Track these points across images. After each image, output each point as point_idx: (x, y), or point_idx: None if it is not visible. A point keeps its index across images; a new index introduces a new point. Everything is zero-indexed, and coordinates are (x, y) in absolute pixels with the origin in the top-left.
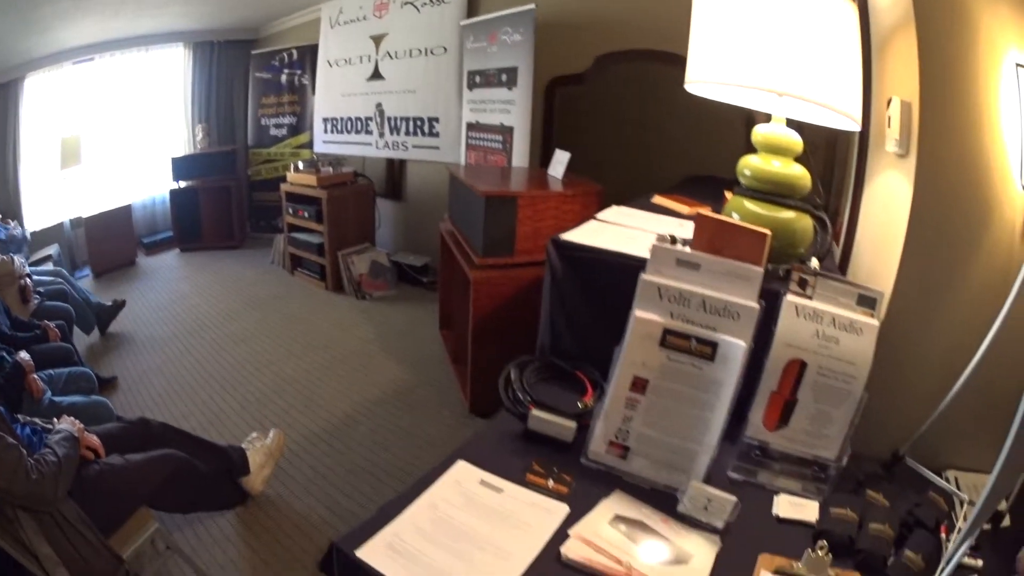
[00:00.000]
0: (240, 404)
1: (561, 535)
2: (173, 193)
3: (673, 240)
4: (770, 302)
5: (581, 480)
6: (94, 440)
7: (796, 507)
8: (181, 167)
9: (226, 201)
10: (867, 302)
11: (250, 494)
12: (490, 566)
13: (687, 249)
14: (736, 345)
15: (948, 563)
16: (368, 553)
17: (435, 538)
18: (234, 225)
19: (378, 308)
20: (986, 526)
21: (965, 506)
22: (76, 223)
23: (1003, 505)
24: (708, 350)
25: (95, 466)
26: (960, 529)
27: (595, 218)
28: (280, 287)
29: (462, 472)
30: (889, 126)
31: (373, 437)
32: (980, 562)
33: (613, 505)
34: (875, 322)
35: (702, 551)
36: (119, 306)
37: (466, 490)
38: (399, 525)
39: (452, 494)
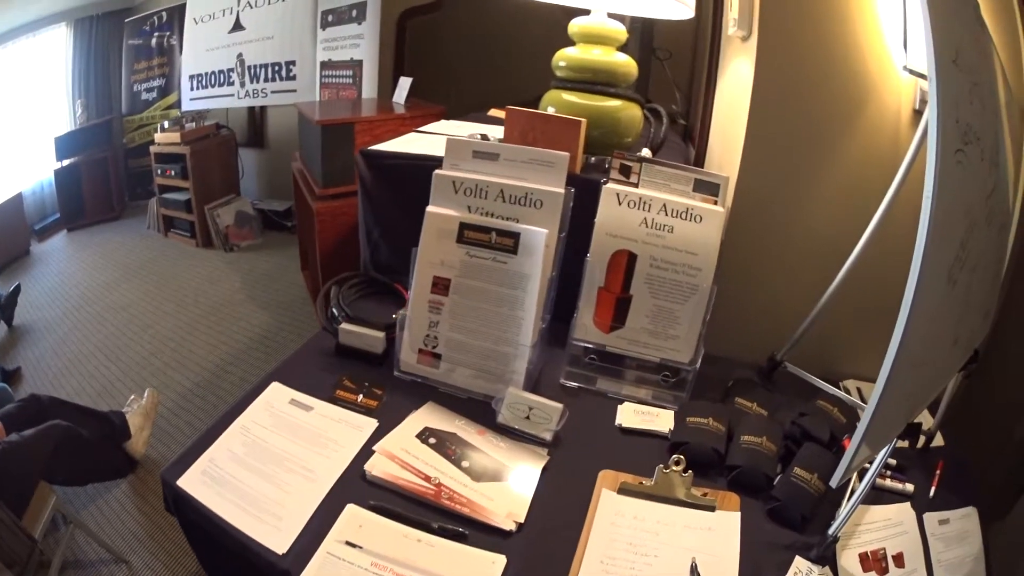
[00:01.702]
0: (122, 371)
1: (367, 452)
2: (57, 173)
3: (484, 139)
4: (591, 193)
5: (393, 393)
6: None
7: (644, 416)
8: (63, 145)
9: (104, 173)
10: (708, 188)
11: (136, 459)
12: (297, 487)
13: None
14: (537, 233)
15: (862, 485)
16: (187, 482)
17: (246, 462)
18: (113, 196)
19: (245, 258)
20: (912, 444)
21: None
22: None
23: (931, 422)
24: (510, 242)
25: None
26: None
27: (416, 130)
28: (155, 251)
29: (274, 393)
30: (731, 7)
31: (242, 385)
32: (911, 486)
33: (423, 418)
34: (720, 209)
35: (524, 466)
36: (16, 292)
37: (276, 411)
38: (214, 451)
39: (263, 416)
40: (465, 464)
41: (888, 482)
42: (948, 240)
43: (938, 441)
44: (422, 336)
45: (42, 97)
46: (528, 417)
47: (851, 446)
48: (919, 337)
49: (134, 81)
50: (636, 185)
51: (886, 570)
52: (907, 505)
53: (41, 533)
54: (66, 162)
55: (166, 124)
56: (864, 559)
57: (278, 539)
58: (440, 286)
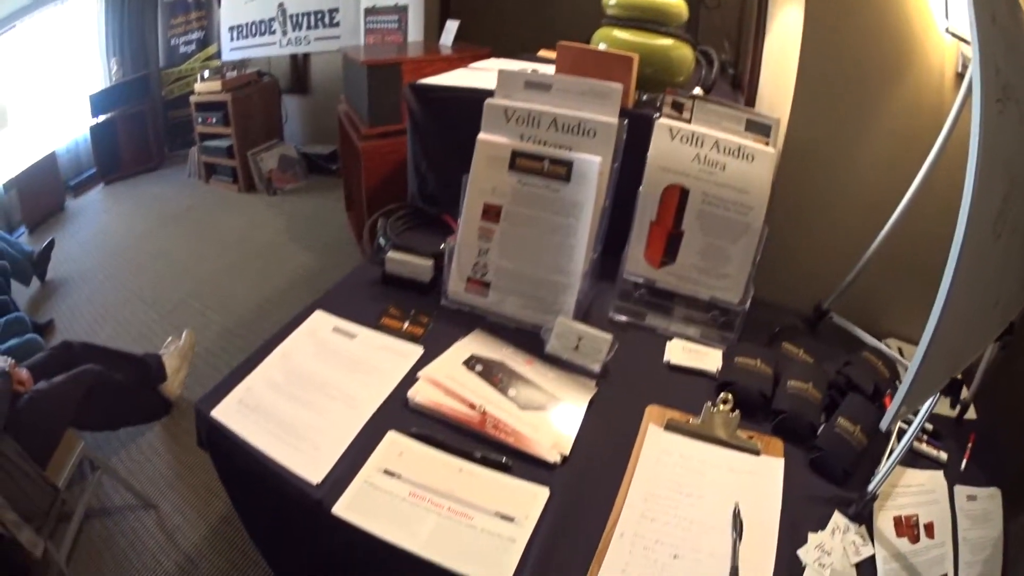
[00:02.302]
0: (160, 316)
1: (411, 378)
2: (93, 129)
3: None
4: (643, 129)
5: (439, 322)
6: (23, 374)
7: (692, 354)
8: (98, 101)
9: (142, 126)
10: (759, 129)
11: (171, 401)
12: (337, 414)
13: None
14: (591, 161)
15: (901, 445)
16: (222, 412)
17: (285, 389)
18: (151, 147)
19: (288, 201)
20: (949, 412)
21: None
22: (8, 186)
23: (965, 393)
24: (562, 170)
25: (25, 397)
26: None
27: (466, 67)
28: (196, 197)
29: (317, 321)
30: None
31: (284, 324)
32: (944, 455)
33: (470, 345)
34: (771, 150)
35: (571, 397)
36: (49, 247)
37: (319, 339)
38: (252, 380)
39: (305, 343)
40: (512, 393)
41: (924, 447)
42: (992, 191)
43: (971, 414)
44: (471, 264)
45: (75, 59)
46: (577, 348)
47: (905, 381)
48: (965, 287)
49: (171, 36)
50: (688, 122)
51: (917, 538)
52: (940, 474)
53: (65, 482)
54: (101, 118)
55: (206, 74)
56: (898, 523)
57: (314, 468)
58: (491, 213)
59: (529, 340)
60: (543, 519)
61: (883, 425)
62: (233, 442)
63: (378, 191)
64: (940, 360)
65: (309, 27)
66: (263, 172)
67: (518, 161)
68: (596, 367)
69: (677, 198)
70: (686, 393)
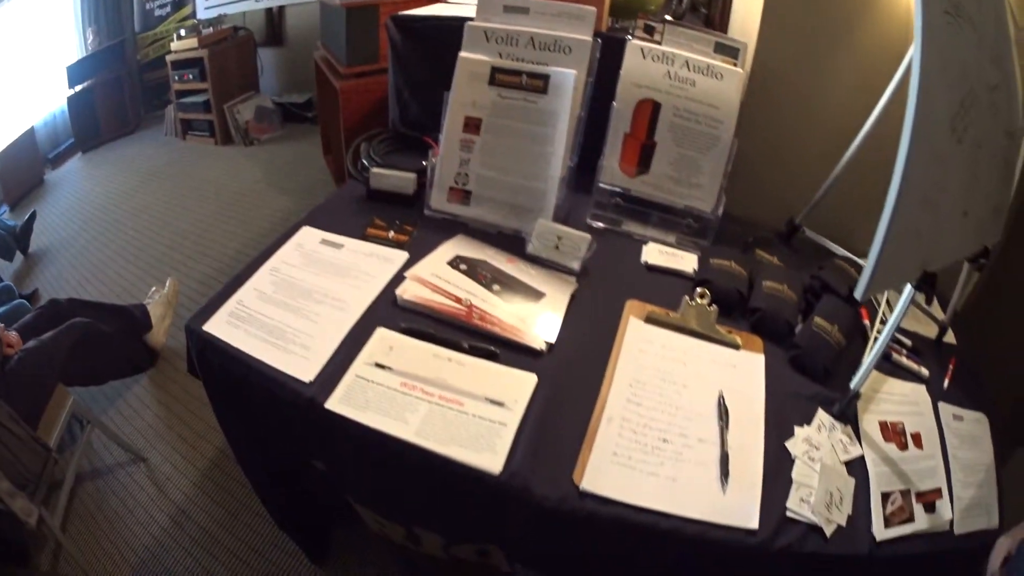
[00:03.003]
0: (143, 270)
1: (399, 280)
2: (70, 100)
3: None
4: (617, 51)
5: (424, 230)
6: (12, 336)
7: (669, 256)
8: (75, 72)
9: (119, 91)
10: (728, 51)
11: (157, 351)
12: (326, 317)
13: None
14: (567, 74)
15: (882, 336)
16: (213, 325)
17: (275, 299)
18: (128, 112)
19: (266, 150)
20: (928, 334)
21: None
22: None
23: (942, 316)
24: (540, 83)
25: (15, 357)
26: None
27: (443, 1)
28: (173, 154)
29: (304, 236)
30: None
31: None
32: (925, 371)
33: (454, 247)
34: (739, 70)
35: (553, 291)
36: (31, 219)
37: (306, 251)
38: (242, 294)
39: (293, 256)
40: (496, 287)
41: (905, 360)
42: (947, 87)
43: (951, 339)
44: (453, 174)
45: (51, 32)
46: (557, 247)
47: (873, 249)
48: (924, 166)
49: (145, 1)
50: (659, 44)
51: (905, 446)
52: (922, 388)
53: (56, 440)
54: (78, 88)
55: (183, 32)
56: (884, 428)
57: (305, 368)
58: (472, 126)
59: (510, 243)
60: (533, 403)
61: (858, 293)
62: (225, 354)
63: (357, 130)
64: (906, 233)
65: None
66: (240, 124)
67: (497, 76)
68: (576, 265)
69: (650, 111)
70: (664, 291)
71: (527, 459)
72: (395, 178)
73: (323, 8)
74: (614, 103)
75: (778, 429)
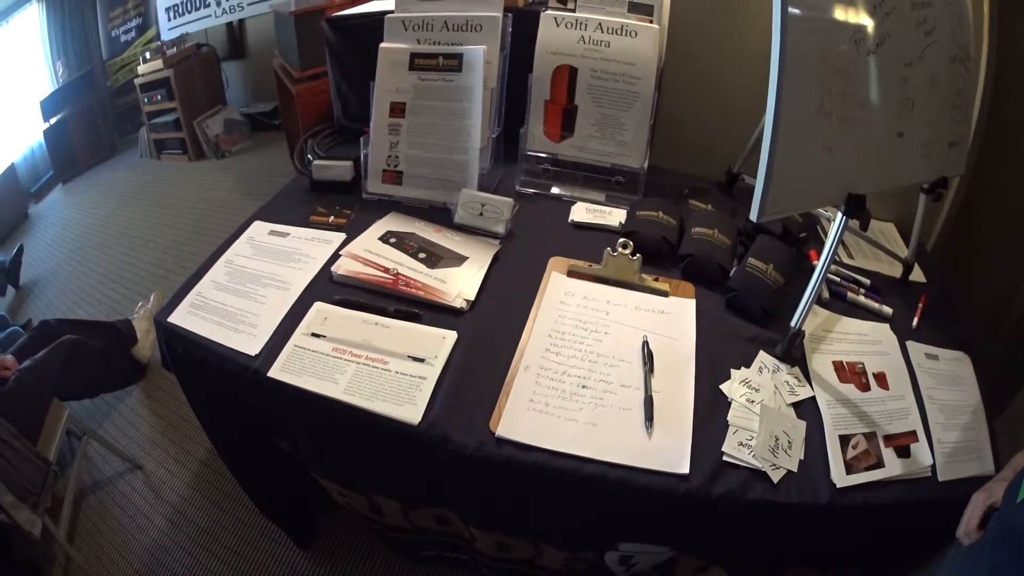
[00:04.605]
0: (129, 288)
1: (335, 258)
2: (46, 133)
3: None
4: (533, 24)
5: (361, 212)
6: (8, 359)
7: (596, 213)
8: (48, 105)
9: (92, 119)
10: (642, 9)
11: (144, 364)
12: (272, 298)
13: None
14: (477, 50)
15: (817, 271)
16: (177, 316)
17: (228, 287)
18: (103, 139)
19: (237, 160)
20: (893, 274)
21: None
22: None
23: (906, 252)
24: (454, 62)
25: (12, 378)
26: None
27: None
28: (149, 175)
29: (255, 229)
30: None
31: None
32: (888, 309)
33: (386, 224)
34: (654, 26)
35: (476, 254)
36: (19, 254)
37: (257, 242)
38: (200, 286)
39: (245, 248)
40: (422, 256)
41: (863, 299)
42: None
43: (920, 277)
44: (384, 157)
45: (22, 71)
46: (481, 214)
47: (762, 161)
48: (807, 71)
49: (111, 28)
50: (573, 11)
51: (867, 387)
52: (886, 327)
53: (55, 453)
54: (53, 120)
55: (147, 55)
56: (840, 368)
57: (252, 343)
58: (397, 110)
59: (440, 215)
60: (452, 358)
61: (753, 215)
62: (188, 340)
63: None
64: (804, 149)
65: None
66: (210, 138)
67: (416, 61)
68: (500, 228)
69: (567, 77)
70: (591, 247)
71: (446, 410)
72: (334, 168)
73: (276, 18)
74: (532, 73)
75: (713, 373)
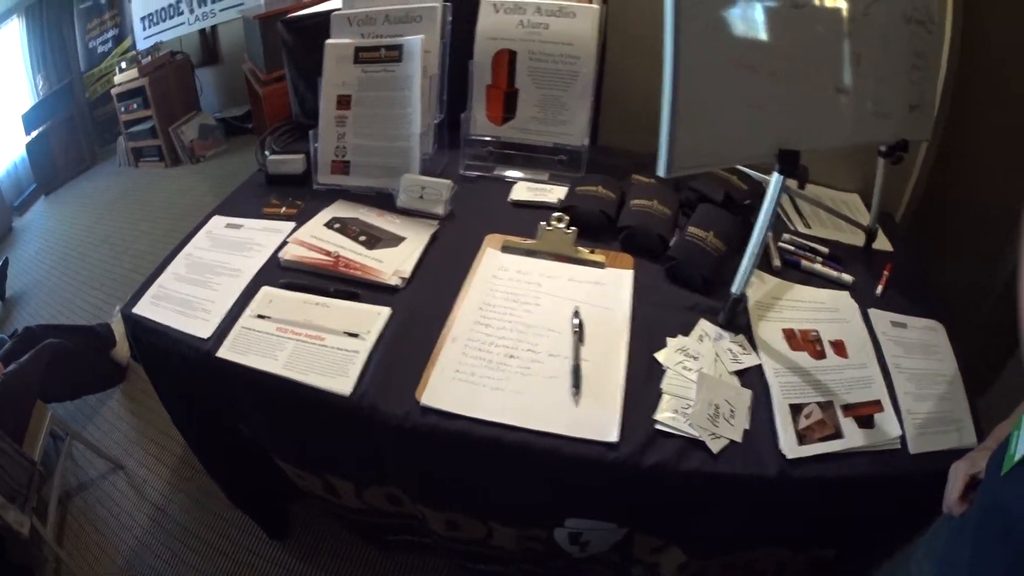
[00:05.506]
0: (108, 294)
1: (284, 245)
2: (28, 146)
3: None
4: (474, 12)
5: (312, 202)
6: None
7: (537, 191)
8: (30, 119)
9: (72, 131)
10: None
11: (124, 365)
12: (224, 285)
13: None
14: (415, 40)
15: (756, 233)
16: (141, 307)
17: (186, 277)
18: (83, 149)
19: (212, 165)
20: (856, 242)
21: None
22: None
23: (867, 220)
24: (395, 53)
25: None
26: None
27: None
28: (128, 183)
29: (214, 223)
30: None
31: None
32: (849, 277)
33: (333, 211)
34: (593, 6)
35: (414, 234)
36: (4, 266)
37: (215, 235)
38: (162, 279)
39: (203, 241)
40: (362, 239)
41: (819, 267)
42: None
43: (886, 246)
44: (332, 148)
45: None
46: (422, 197)
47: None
48: (708, 15)
49: (89, 40)
50: None
51: (822, 355)
52: (845, 294)
53: (40, 453)
54: (34, 133)
55: (123, 65)
56: (791, 336)
57: (205, 327)
58: (343, 103)
59: (386, 201)
60: (384, 333)
61: (659, 171)
62: (150, 329)
63: None
64: (720, 100)
65: (214, 0)
66: (185, 144)
67: (360, 54)
68: (439, 210)
69: (507, 60)
70: (529, 224)
71: (376, 381)
72: (287, 162)
73: (245, 24)
74: (474, 59)
75: (650, 343)
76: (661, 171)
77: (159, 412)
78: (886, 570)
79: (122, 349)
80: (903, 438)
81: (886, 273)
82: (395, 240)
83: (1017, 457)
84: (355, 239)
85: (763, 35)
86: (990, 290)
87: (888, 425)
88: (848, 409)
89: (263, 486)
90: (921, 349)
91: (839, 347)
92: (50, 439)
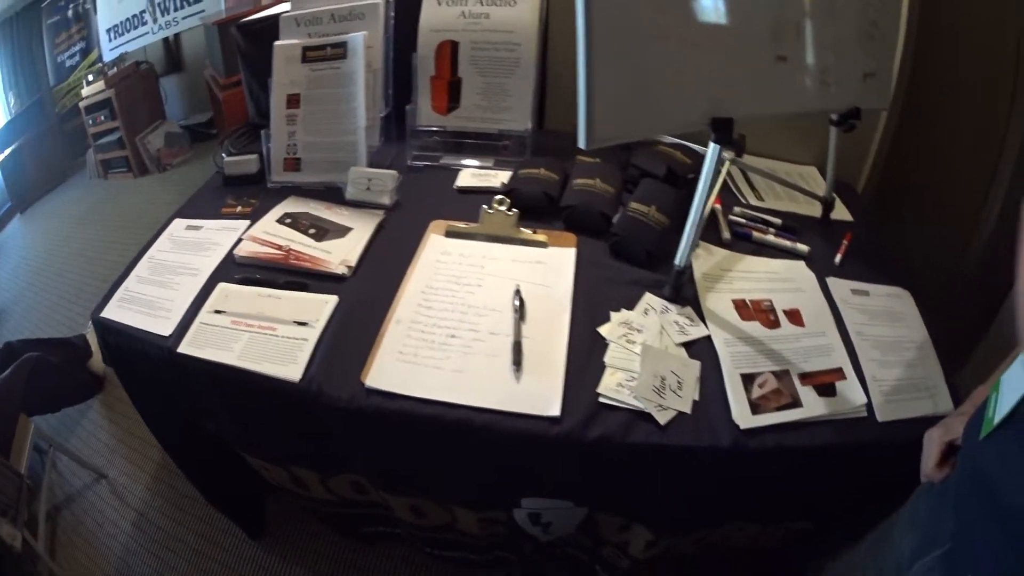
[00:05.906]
0: (84, 307)
1: (239, 243)
2: (2, 165)
3: None
4: (418, 9)
5: (266, 200)
6: None
7: (482, 177)
8: (2, 137)
9: (44, 146)
10: None
11: (101, 376)
12: (184, 284)
13: None
14: (358, 36)
15: (695, 204)
16: (108, 311)
17: (149, 279)
18: (54, 165)
19: (179, 172)
20: (813, 214)
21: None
22: None
23: (823, 190)
24: (340, 51)
25: None
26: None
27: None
28: (98, 195)
29: (174, 226)
30: None
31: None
32: (804, 247)
33: (285, 207)
34: None
35: (361, 224)
36: None
37: (175, 238)
38: (127, 282)
39: (165, 244)
40: (312, 231)
41: (772, 238)
42: None
43: (846, 216)
44: (284, 147)
45: None
46: (368, 188)
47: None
48: None
49: (57, 54)
50: None
51: (776, 324)
52: (800, 264)
53: (26, 466)
54: (7, 151)
55: (90, 78)
56: (741, 306)
57: (166, 325)
58: (293, 102)
59: (335, 195)
60: (332, 320)
61: (581, 142)
62: (117, 331)
63: None
64: (643, 67)
65: (176, 8)
66: (152, 153)
67: (307, 54)
68: (386, 200)
69: (449, 51)
70: (473, 209)
71: (323, 367)
72: (242, 163)
73: (206, 31)
74: (417, 52)
75: (594, 318)
76: (581, 143)
77: (137, 419)
78: (869, 541)
79: (99, 359)
80: (869, 406)
81: (845, 242)
82: (343, 231)
83: (996, 420)
84: (305, 232)
85: (682, 5)
86: (961, 259)
87: (852, 393)
88: (806, 377)
89: (237, 484)
90: (887, 316)
91: (794, 316)
92: (34, 453)
